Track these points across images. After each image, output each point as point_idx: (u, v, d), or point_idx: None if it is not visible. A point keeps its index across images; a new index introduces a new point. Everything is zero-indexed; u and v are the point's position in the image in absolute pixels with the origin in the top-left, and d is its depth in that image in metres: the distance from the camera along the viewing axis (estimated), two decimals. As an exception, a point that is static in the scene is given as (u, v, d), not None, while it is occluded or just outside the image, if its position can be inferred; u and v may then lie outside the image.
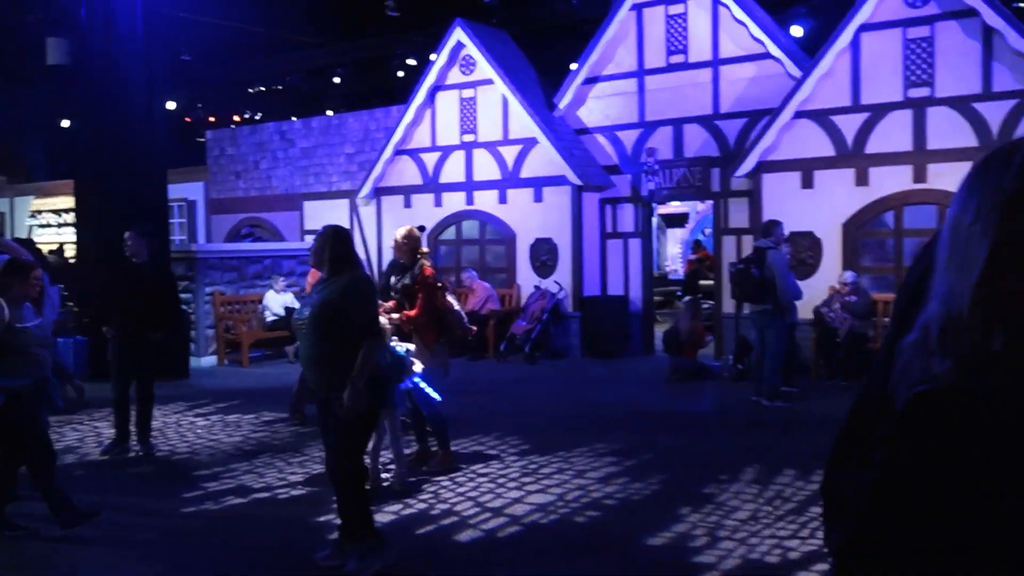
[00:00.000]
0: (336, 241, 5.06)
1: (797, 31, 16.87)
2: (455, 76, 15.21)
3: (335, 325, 4.86)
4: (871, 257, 11.68)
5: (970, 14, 10.67)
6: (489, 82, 14.68)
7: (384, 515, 5.99)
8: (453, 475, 6.95)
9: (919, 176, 11.12)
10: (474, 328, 7.74)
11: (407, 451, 7.56)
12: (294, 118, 21.10)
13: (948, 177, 10.90)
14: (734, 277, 9.83)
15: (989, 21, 10.48)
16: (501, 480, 6.81)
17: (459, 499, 6.34)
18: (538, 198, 14.40)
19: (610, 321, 13.76)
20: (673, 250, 26.74)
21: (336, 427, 4.93)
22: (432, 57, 15.87)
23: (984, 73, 10.71)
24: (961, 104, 10.85)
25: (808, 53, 12.75)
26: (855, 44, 11.41)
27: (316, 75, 26.13)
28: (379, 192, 16.08)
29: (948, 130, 10.92)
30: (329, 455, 5.18)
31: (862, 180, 11.47)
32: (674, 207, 24.89)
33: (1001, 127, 10.62)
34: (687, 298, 17.73)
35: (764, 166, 12.11)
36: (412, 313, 6.93)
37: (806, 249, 11.79)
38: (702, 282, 19.54)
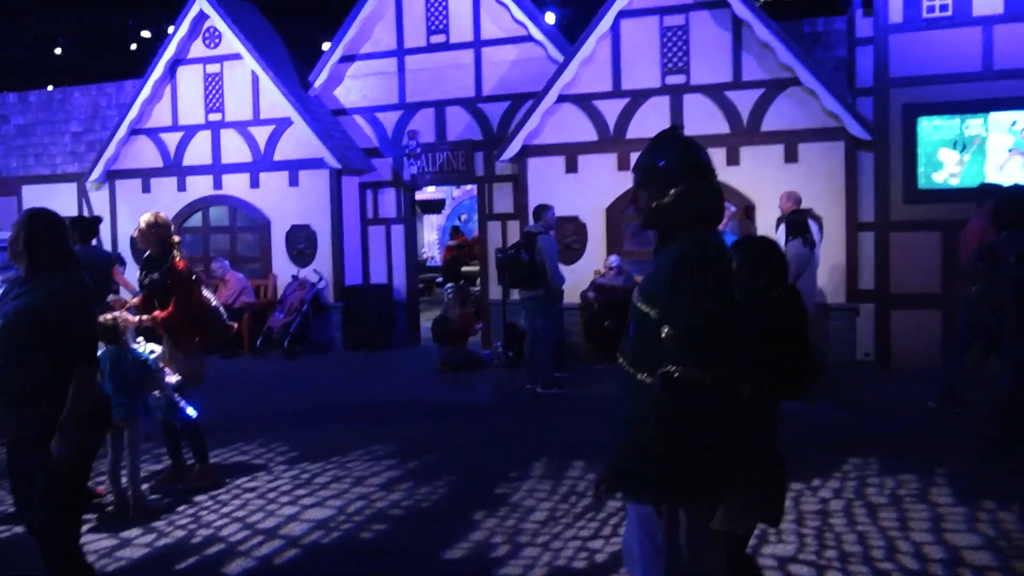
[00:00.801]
0: (38, 229, 3.80)
1: (551, 18, 16.97)
2: (198, 49, 13.98)
3: (36, 342, 3.66)
4: (633, 241, 11.84)
5: (721, 5, 11.00)
6: (237, 57, 13.60)
7: (134, 548, 5.14)
8: (215, 492, 6.15)
9: (677, 161, 11.35)
10: (235, 325, 6.93)
11: (158, 467, 6.69)
12: (6, 91, 18.70)
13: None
14: (502, 263, 9.57)
15: (739, 12, 10.84)
16: (272, 495, 6.09)
17: (225, 521, 5.58)
18: (294, 182, 13.53)
19: (373, 311, 13.18)
20: (430, 236, 26.48)
21: (38, 483, 3.68)
22: (171, 30, 14.50)
23: (735, 62, 11.09)
24: (714, 92, 11.18)
25: (568, 38, 12.73)
26: (615, 29, 11.47)
27: (33, 45, 23.48)
28: (112, 175, 14.53)
29: (702, 117, 11.22)
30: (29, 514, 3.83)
31: (624, 165, 11.58)
32: (430, 193, 24.60)
33: (750, 115, 11.04)
34: (449, 285, 17.54)
35: (528, 150, 11.97)
36: (164, 314, 6.06)
37: (571, 234, 11.77)
38: (464, 268, 19.42)
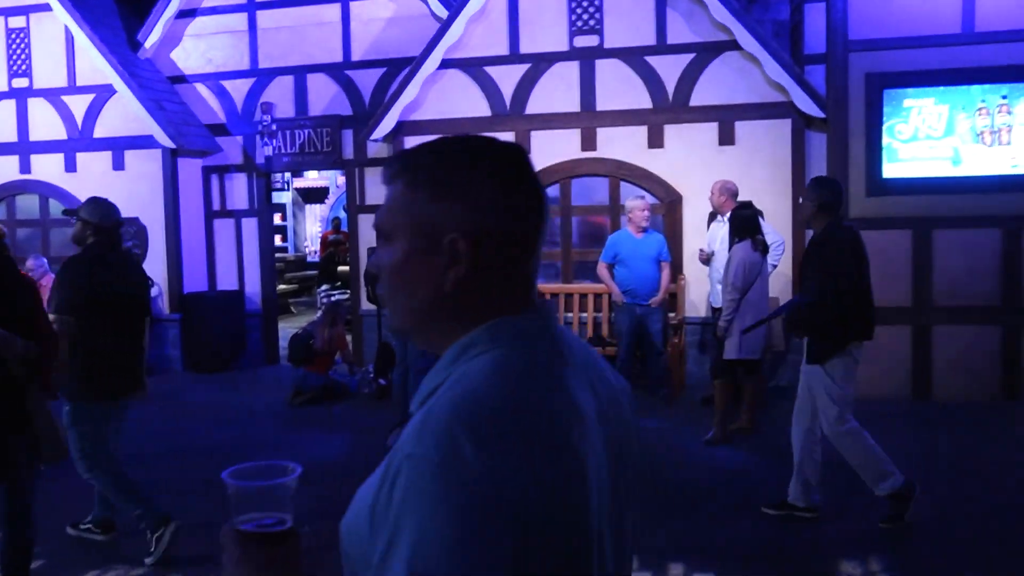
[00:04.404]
0: None
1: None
2: (-3, -2, 11.27)
3: None
4: (535, 240, 9.73)
5: (641, -50, 8.95)
6: (45, 8, 10.90)
7: None
8: None
9: (588, 143, 9.29)
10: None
11: None
12: None
13: (620, 144, 9.18)
14: (369, 272, 7.33)
15: (662, -41, 8.83)
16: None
17: None
18: (119, 165, 10.97)
19: (220, 324, 10.73)
20: (313, 229, 24.00)
21: None
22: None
23: (659, 21, 9.04)
24: (633, 57, 9.12)
25: (456, -9, 10.50)
26: (512, -21, 9.32)
27: None
28: None
29: (619, 87, 9.16)
30: None
31: (524, 145, 9.43)
32: (312, 179, 22.21)
33: (677, 86, 9.03)
34: (324, 287, 15.15)
35: (406, 127, 9.72)
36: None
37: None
38: (341, 268, 17.03)
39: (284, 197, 21.12)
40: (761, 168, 8.75)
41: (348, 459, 6.95)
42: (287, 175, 18.87)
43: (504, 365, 1.08)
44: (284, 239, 21.20)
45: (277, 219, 20.83)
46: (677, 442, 7.09)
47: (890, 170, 8.09)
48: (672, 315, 8.75)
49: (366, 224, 10.60)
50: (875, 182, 8.12)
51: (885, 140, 8.08)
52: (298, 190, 21.95)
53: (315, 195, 23.25)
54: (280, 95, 10.82)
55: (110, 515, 5.23)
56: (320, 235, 22.58)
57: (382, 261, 1.19)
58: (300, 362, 9.09)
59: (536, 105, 9.37)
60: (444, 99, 9.60)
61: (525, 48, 9.37)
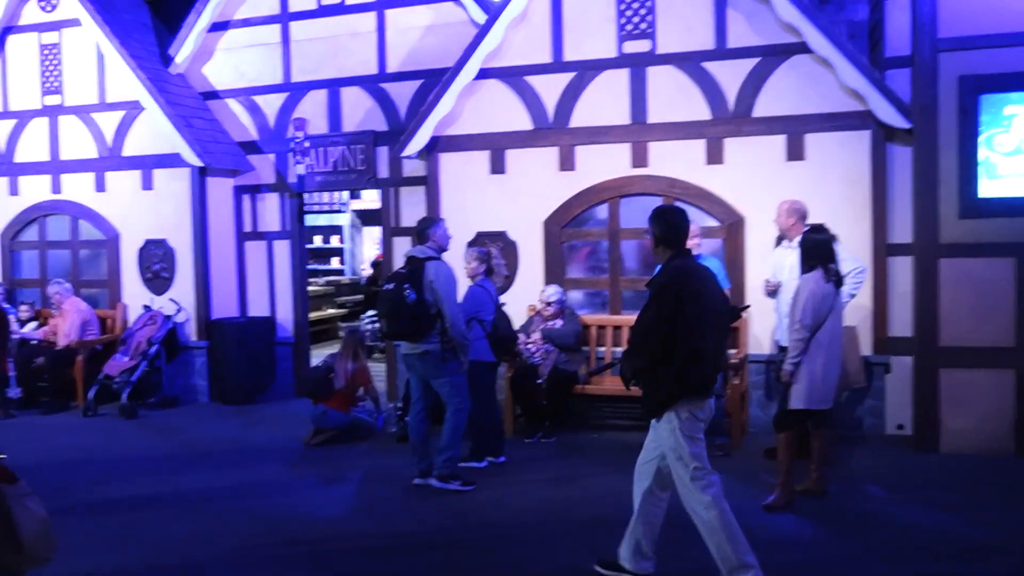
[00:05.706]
0: None
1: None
2: (32, 13, 10.87)
3: None
4: (581, 267, 8.83)
5: (699, -56, 8.02)
6: (76, 23, 10.49)
7: None
8: None
9: (639, 158, 8.37)
10: None
11: None
12: None
13: (674, 160, 8.24)
14: (381, 303, 6.53)
15: (723, -46, 7.89)
16: None
17: None
18: (147, 184, 10.44)
19: (248, 353, 10.07)
20: (371, 252, 23.46)
21: None
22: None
23: (718, 23, 8.08)
24: (689, 63, 8.17)
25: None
26: (556, -20, 8.47)
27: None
28: (-74, 175, 11.39)
29: (673, 97, 8.22)
30: None
31: (567, 163, 8.58)
32: (371, 200, 21.72)
33: (739, 95, 8.05)
34: (370, 313, 14.46)
35: (442, 142, 8.94)
36: None
37: (496, 256, 8.72)
38: (387, 293, 16.37)
39: (342, 219, 20.67)
40: (835, 186, 7.71)
41: (356, 520, 6.12)
42: (342, 195, 18.45)
43: None
44: (342, 261, 20.67)
45: (335, 241, 20.35)
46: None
47: (988, 188, 6.97)
48: (733, 352, 7.73)
49: (402, 248, 9.83)
50: (970, 202, 7.00)
51: (982, 153, 6.97)
52: (356, 212, 21.41)
53: (373, 217, 22.74)
54: (313, 110, 10.16)
55: None
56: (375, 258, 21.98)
57: None
58: (317, 397, 8.30)
59: (581, 117, 8.49)
60: (482, 112, 8.79)
61: (569, 55, 8.50)
